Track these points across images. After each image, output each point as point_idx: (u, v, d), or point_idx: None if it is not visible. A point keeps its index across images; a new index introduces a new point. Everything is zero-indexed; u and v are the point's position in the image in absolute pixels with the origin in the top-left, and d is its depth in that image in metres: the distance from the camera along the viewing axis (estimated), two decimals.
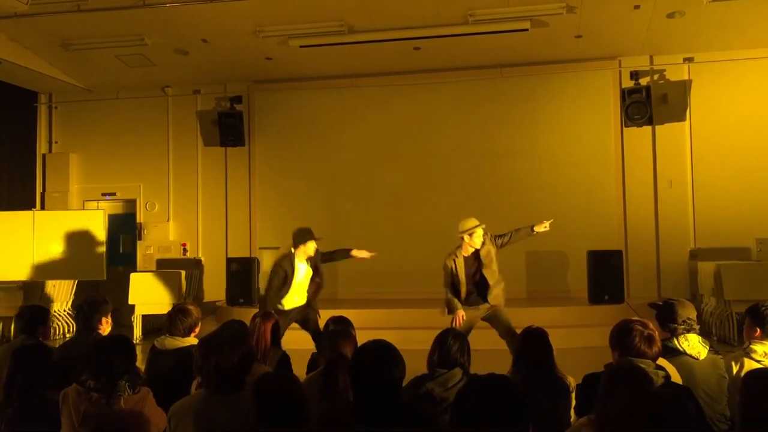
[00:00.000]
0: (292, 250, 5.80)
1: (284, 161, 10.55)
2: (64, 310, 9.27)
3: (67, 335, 8.98)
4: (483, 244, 5.71)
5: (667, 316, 3.41)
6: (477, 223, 5.75)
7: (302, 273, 5.83)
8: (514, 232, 5.94)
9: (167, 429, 2.79)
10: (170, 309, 4.07)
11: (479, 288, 5.73)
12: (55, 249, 8.77)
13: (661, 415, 1.84)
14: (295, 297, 5.84)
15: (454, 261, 5.72)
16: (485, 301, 5.72)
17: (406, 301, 8.27)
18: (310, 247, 5.80)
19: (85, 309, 4.15)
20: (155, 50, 9.09)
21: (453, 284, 5.76)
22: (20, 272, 8.60)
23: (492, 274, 5.74)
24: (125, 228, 10.97)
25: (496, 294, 5.74)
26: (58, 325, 9.04)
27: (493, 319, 5.75)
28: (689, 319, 3.37)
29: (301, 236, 5.80)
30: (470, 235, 5.72)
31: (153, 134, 10.81)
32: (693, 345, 3.31)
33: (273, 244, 10.42)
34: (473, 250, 5.70)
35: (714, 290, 7.98)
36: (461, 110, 10.13)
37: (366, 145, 10.33)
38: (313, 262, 5.86)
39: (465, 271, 5.75)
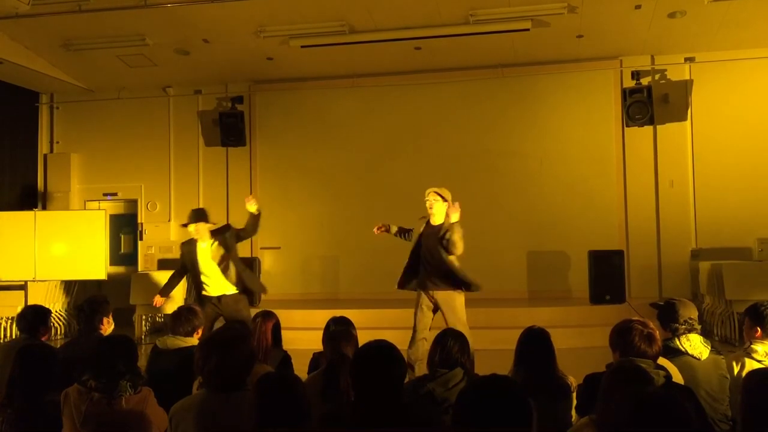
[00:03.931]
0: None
1: (285, 161, 10.56)
2: (66, 310, 9.29)
3: (68, 335, 9.00)
4: (445, 224, 5.37)
5: (668, 316, 3.41)
6: (437, 192, 5.48)
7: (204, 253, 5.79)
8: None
9: (168, 429, 2.79)
10: (175, 309, 4.08)
11: (434, 269, 5.44)
12: (57, 249, 8.78)
13: (662, 415, 1.84)
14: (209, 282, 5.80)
15: (422, 222, 5.55)
16: (436, 285, 5.44)
17: (407, 301, 8.26)
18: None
19: (86, 309, 4.16)
20: (156, 50, 9.10)
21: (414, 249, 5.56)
22: (21, 272, 8.61)
23: (440, 264, 5.37)
24: (126, 228, 10.99)
25: (438, 292, 5.44)
26: (58, 325, 9.06)
27: (443, 313, 5.50)
28: (690, 319, 3.37)
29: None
30: (426, 200, 5.53)
31: (154, 134, 10.82)
32: (695, 345, 3.30)
33: (274, 244, 10.46)
34: (437, 223, 5.44)
35: (715, 290, 7.98)
36: (462, 110, 10.13)
37: (367, 145, 10.33)
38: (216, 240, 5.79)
39: (423, 237, 5.52)
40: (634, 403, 1.90)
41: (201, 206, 6.09)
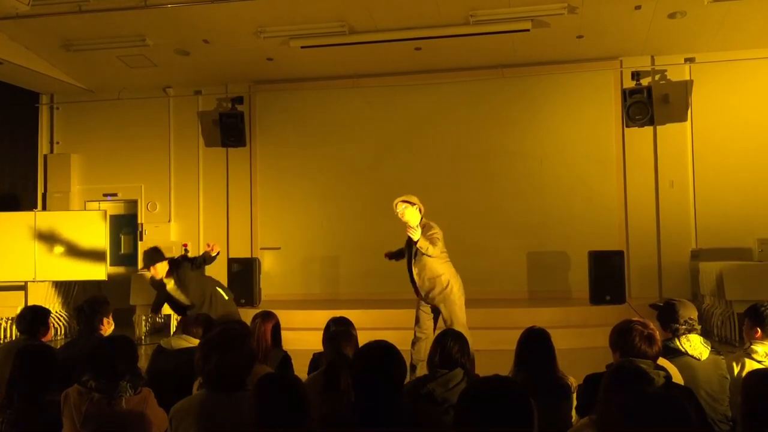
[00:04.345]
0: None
1: (285, 162, 10.56)
2: (66, 311, 9.28)
3: (68, 336, 9.00)
4: (420, 228, 5.24)
5: (668, 316, 3.41)
6: (404, 200, 5.42)
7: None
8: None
9: (168, 429, 2.79)
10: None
11: (415, 278, 5.47)
12: (57, 249, 8.78)
13: (662, 416, 1.84)
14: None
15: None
16: (420, 296, 5.49)
17: (406, 302, 8.27)
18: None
19: (86, 310, 4.16)
20: (156, 51, 9.10)
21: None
22: (21, 273, 8.61)
23: (421, 268, 5.37)
24: (126, 228, 10.99)
25: (431, 296, 5.42)
26: (58, 325, 9.06)
27: (442, 314, 5.51)
28: (690, 319, 3.37)
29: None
30: (396, 212, 5.45)
31: (154, 135, 10.82)
32: (695, 345, 3.30)
33: (274, 245, 10.46)
34: (412, 232, 5.25)
35: (715, 291, 7.98)
36: (462, 111, 10.13)
37: (367, 146, 10.33)
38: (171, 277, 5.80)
39: (406, 248, 5.53)
40: (634, 403, 1.90)
41: (153, 245, 6.11)
